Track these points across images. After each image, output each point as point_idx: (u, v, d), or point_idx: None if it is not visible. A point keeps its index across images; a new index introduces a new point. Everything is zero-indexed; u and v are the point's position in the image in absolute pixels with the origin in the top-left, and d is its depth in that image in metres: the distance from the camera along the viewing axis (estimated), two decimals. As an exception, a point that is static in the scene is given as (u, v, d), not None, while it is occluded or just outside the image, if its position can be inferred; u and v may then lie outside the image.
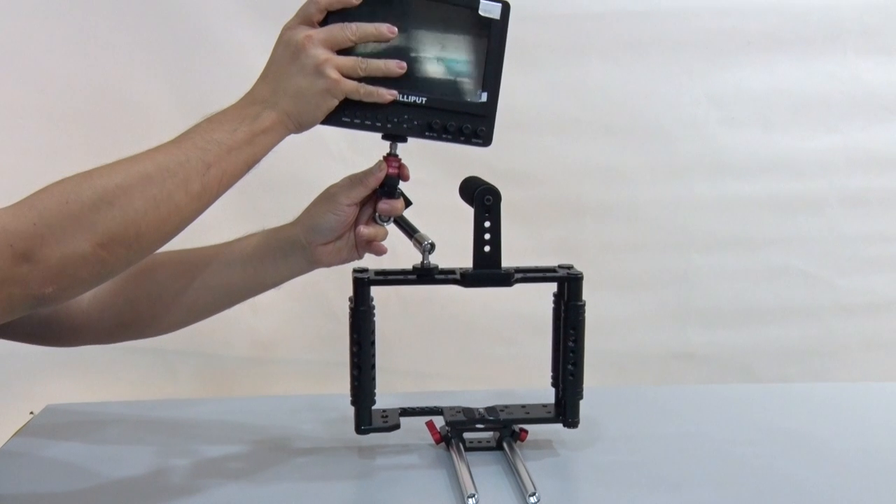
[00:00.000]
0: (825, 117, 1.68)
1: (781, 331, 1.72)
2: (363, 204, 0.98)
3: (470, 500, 0.90)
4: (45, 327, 1.02)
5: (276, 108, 0.85)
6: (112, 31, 1.54)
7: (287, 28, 0.88)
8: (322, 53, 0.85)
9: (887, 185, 1.70)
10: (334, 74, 0.85)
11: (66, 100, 1.54)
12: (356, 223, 0.98)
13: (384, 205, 0.97)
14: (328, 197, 0.98)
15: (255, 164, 0.86)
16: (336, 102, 0.87)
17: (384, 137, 0.95)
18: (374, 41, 0.88)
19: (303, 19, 0.88)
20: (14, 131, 1.53)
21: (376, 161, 0.97)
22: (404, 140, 0.95)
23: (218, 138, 0.83)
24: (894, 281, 1.73)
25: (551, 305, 1.03)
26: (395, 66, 0.89)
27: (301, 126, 0.88)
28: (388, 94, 0.89)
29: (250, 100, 0.86)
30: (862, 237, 1.72)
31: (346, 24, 0.87)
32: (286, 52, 0.86)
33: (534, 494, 0.91)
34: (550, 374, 1.04)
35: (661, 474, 0.99)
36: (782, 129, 1.68)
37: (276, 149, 1.56)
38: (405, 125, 0.92)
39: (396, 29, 0.88)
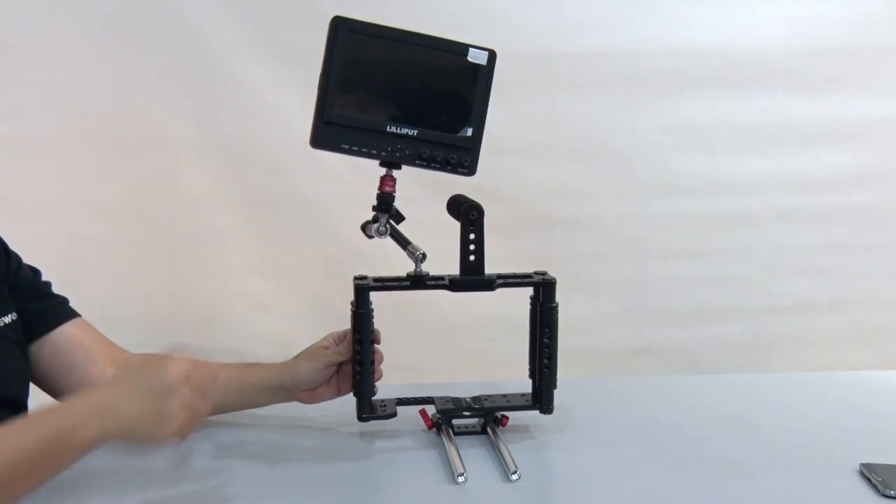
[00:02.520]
0: (759, 145, 1.68)
1: (724, 328, 1.72)
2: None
3: (460, 477, 0.89)
4: (62, 391, 1.00)
5: (106, 423, 0.74)
6: (142, 67, 1.52)
7: (171, 363, 0.77)
8: (188, 398, 0.76)
9: (811, 203, 1.71)
10: (186, 423, 0.76)
11: (100, 128, 1.52)
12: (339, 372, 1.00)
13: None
14: (311, 356, 1.00)
15: (63, 470, 0.75)
16: (164, 447, 0.78)
17: (381, 164, 0.93)
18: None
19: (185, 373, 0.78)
20: (54, 156, 1.50)
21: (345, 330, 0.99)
22: (398, 167, 0.93)
23: (31, 438, 0.72)
24: (818, 285, 1.74)
25: (525, 307, 1.02)
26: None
27: (120, 447, 0.77)
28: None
29: (83, 403, 0.76)
30: (791, 248, 1.72)
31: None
32: (153, 383, 0.76)
33: (515, 472, 0.90)
34: (528, 367, 1.03)
35: (623, 454, 0.98)
36: (724, 155, 1.68)
37: (282, 170, 1.58)
38: (398, 154, 0.91)
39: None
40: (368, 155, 0.90)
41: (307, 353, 1.01)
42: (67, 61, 1.49)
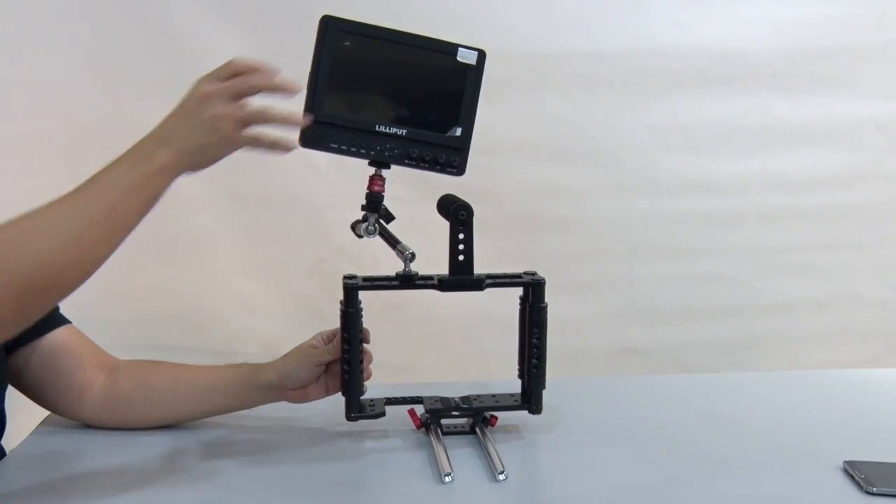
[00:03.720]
0: (744, 145, 1.69)
1: (710, 327, 1.73)
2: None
3: (447, 477, 0.89)
4: (50, 399, 1.02)
5: (170, 149, 0.79)
6: (129, 68, 1.51)
7: (200, 79, 0.81)
8: (220, 108, 0.78)
9: (796, 203, 1.72)
10: (228, 130, 0.78)
11: (89, 129, 1.51)
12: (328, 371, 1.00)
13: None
14: (304, 356, 0.99)
15: (155, 201, 0.79)
16: (233, 151, 0.81)
17: (370, 164, 0.93)
18: (279, 90, 0.82)
19: (216, 75, 0.81)
20: (41, 157, 1.49)
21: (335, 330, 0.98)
22: (387, 167, 0.93)
23: (119, 178, 0.77)
24: (803, 284, 1.75)
25: (514, 307, 1.02)
26: (300, 117, 0.83)
27: (196, 168, 0.81)
28: (287, 144, 0.82)
29: (149, 139, 0.80)
30: (776, 247, 1.73)
31: (250, 75, 0.81)
32: (189, 103, 0.80)
33: (502, 472, 0.90)
34: (517, 367, 1.03)
35: (610, 453, 0.98)
36: (709, 155, 1.69)
37: (272, 170, 1.58)
38: (387, 153, 0.90)
39: (297, 84, 0.83)
40: (357, 154, 0.90)
41: (296, 353, 1.01)
42: (54, 62, 1.48)
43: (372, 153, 0.90)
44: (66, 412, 1.03)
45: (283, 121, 0.82)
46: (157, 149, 0.79)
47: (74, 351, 1.01)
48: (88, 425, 1.04)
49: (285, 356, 1.01)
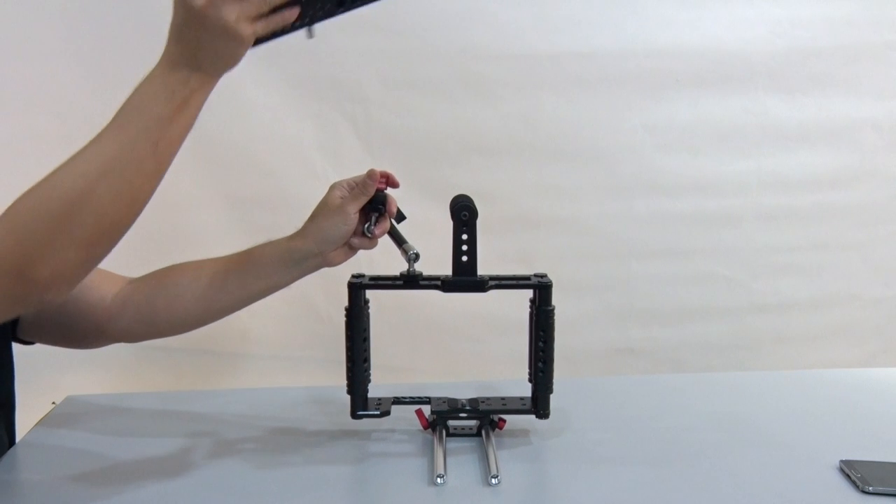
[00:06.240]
0: (741, 145, 1.71)
1: (707, 327, 1.74)
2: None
3: (438, 479, 0.90)
4: (72, 329, 0.99)
5: (199, 68, 0.75)
6: (123, 67, 1.50)
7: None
8: (230, 13, 0.73)
9: (792, 203, 1.73)
10: (248, 31, 0.74)
11: (81, 128, 1.50)
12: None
13: (378, 229, 0.96)
14: (336, 210, 0.94)
15: (193, 124, 0.78)
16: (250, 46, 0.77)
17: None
18: None
19: None
20: (33, 157, 1.48)
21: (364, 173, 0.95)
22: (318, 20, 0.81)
23: (157, 112, 0.75)
24: (800, 284, 1.76)
25: (518, 308, 1.03)
26: None
27: (224, 73, 0.78)
28: (291, 16, 0.77)
29: (172, 65, 0.76)
30: (773, 247, 1.74)
31: None
32: (191, 17, 0.74)
33: (495, 476, 0.90)
34: (523, 369, 1.04)
35: (606, 453, 0.99)
36: (706, 155, 1.70)
37: (268, 170, 1.58)
38: (321, 13, 0.80)
39: None
40: (294, 29, 0.79)
41: (325, 212, 0.94)
42: (46, 61, 1.48)
43: (308, 21, 0.79)
44: (93, 335, 1.00)
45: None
46: (190, 73, 0.75)
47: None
48: (119, 341, 1.01)
49: (312, 220, 0.96)
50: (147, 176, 0.76)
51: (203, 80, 0.76)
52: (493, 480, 0.90)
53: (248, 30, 0.74)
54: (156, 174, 0.77)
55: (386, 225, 0.97)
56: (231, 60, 0.77)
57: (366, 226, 0.96)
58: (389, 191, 0.98)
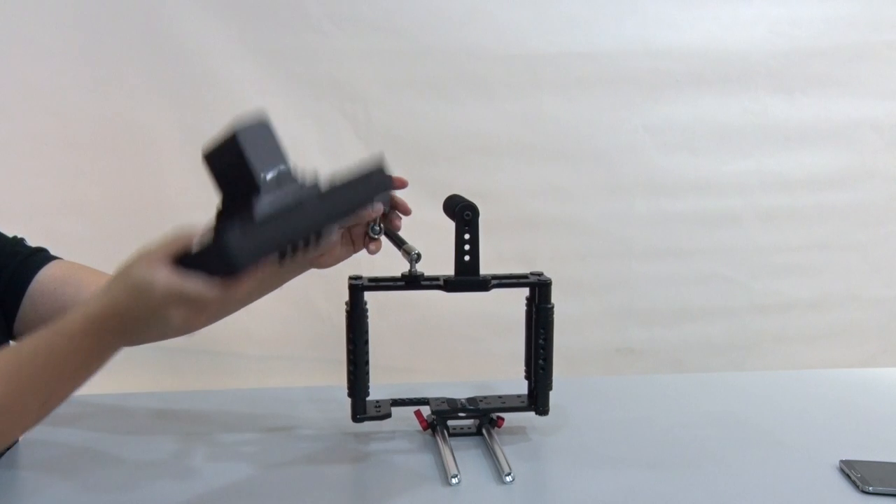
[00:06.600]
0: (741, 145, 1.71)
1: (707, 327, 1.75)
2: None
3: (453, 479, 0.90)
4: None
5: (129, 340, 0.71)
6: (121, 67, 1.52)
7: (144, 274, 0.69)
8: (182, 314, 0.68)
9: (792, 203, 1.74)
10: (198, 327, 0.72)
11: (83, 129, 1.52)
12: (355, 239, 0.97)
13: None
14: None
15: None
16: None
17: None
18: None
19: (189, 303, 0.68)
20: (37, 156, 1.50)
21: None
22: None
23: (62, 371, 0.71)
24: (800, 284, 1.77)
25: (517, 307, 1.04)
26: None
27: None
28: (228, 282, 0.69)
29: (99, 331, 0.70)
30: (772, 247, 1.75)
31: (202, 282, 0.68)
32: (145, 309, 0.68)
33: (509, 474, 0.91)
34: (523, 367, 1.05)
35: (612, 453, 1.00)
36: (706, 155, 1.71)
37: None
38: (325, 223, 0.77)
39: None
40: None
41: None
42: (45, 61, 1.49)
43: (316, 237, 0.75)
44: None
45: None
46: (116, 341, 0.71)
47: (71, 279, 0.98)
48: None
49: None
50: (20, 427, 0.72)
51: (127, 345, 0.72)
52: (508, 478, 0.91)
53: (197, 328, 0.72)
54: (30, 426, 0.73)
55: (395, 223, 0.98)
56: (167, 338, 0.73)
57: (370, 226, 0.97)
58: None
